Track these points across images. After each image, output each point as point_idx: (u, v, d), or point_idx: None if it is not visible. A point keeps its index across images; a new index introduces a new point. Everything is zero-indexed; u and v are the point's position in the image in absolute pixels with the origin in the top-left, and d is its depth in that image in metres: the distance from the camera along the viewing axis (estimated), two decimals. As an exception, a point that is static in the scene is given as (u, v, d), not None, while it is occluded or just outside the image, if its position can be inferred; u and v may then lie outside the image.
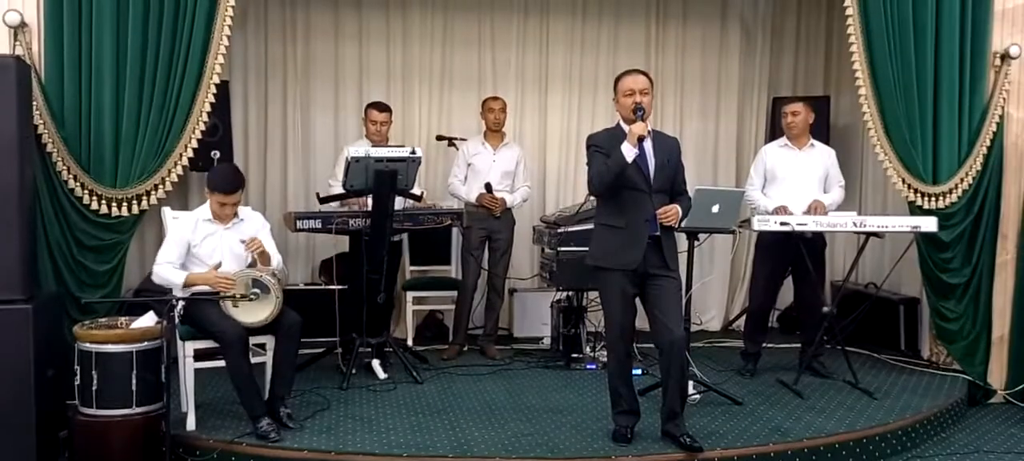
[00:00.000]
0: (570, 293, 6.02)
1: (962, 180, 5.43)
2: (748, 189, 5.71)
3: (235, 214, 4.69)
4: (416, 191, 5.70)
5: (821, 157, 5.69)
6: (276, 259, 4.68)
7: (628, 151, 4.09)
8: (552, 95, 7.22)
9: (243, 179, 4.75)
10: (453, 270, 6.71)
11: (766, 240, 5.60)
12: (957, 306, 5.59)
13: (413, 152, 5.34)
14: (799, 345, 5.86)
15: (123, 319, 4.43)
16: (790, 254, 5.49)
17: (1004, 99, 5.47)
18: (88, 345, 4.18)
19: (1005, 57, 5.43)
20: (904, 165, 5.37)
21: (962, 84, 5.38)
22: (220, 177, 4.64)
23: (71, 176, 4.64)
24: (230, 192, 4.59)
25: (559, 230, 5.78)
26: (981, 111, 5.44)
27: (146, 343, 4.22)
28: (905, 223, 5.36)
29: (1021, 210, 5.53)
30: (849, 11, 5.26)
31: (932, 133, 5.39)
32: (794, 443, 4.39)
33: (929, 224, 5.29)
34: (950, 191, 5.42)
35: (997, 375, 5.63)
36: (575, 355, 5.92)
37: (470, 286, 6.18)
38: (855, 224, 5.33)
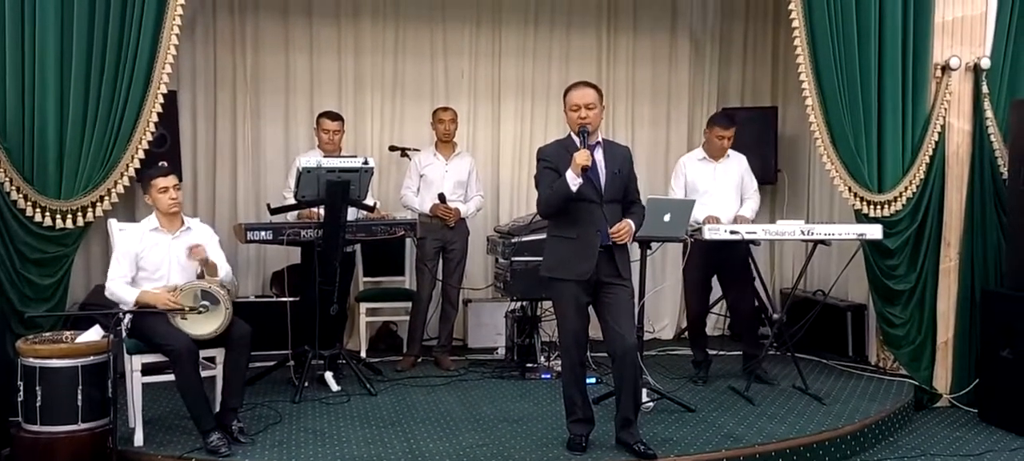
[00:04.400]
0: (524, 303, 6.02)
1: (906, 188, 5.54)
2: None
3: (182, 221, 4.63)
4: (369, 202, 5.67)
5: (736, 166, 5.83)
6: (224, 269, 4.63)
7: (572, 181, 4.11)
8: (505, 105, 7.23)
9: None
10: (407, 281, 6.68)
11: (693, 250, 5.69)
12: (903, 312, 5.70)
13: (366, 162, 5.32)
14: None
15: (68, 333, 4.34)
16: (713, 262, 5.59)
17: (945, 109, 5.59)
18: (32, 360, 4.08)
19: (945, 68, 5.55)
20: (850, 174, 5.47)
21: (905, 95, 5.50)
22: (153, 170, 4.65)
23: (14, 187, 4.52)
24: (168, 173, 4.58)
25: (513, 240, 5.79)
26: (923, 121, 5.57)
27: (92, 358, 4.13)
28: (851, 231, 5.45)
29: (963, 217, 5.66)
30: (795, 23, 5.35)
31: (877, 142, 5.51)
32: (746, 449, 4.45)
33: (875, 231, 5.39)
34: (895, 199, 5.53)
35: (942, 379, 5.75)
36: (530, 365, 5.92)
37: (424, 297, 6.15)
38: (803, 232, 5.42)
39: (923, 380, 5.70)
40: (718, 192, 5.73)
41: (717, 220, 5.55)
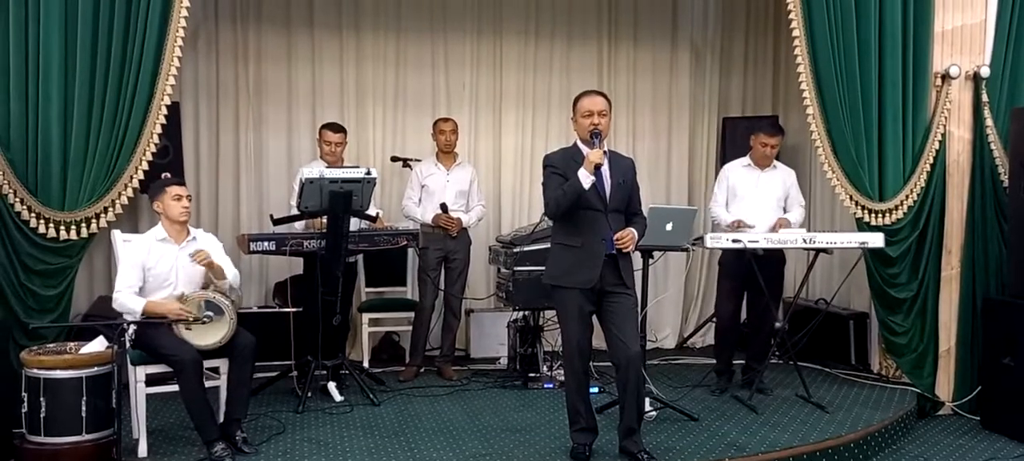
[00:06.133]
0: (527, 312, 6.03)
1: (907, 197, 5.56)
2: (713, 206, 5.85)
3: (188, 232, 4.65)
4: (372, 212, 5.68)
5: (782, 178, 5.81)
6: (231, 272, 4.64)
7: (585, 178, 4.13)
8: (506, 115, 7.25)
9: None
10: (409, 291, 6.69)
11: (725, 256, 5.68)
12: (905, 320, 5.70)
13: (368, 173, 5.33)
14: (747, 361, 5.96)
15: (72, 344, 4.35)
16: (744, 270, 5.58)
17: (945, 118, 5.60)
18: (36, 371, 4.09)
19: (945, 77, 5.57)
20: (851, 183, 5.48)
21: (905, 104, 5.52)
22: (162, 180, 4.75)
23: (18, 199, 4.52)
24: (182, 183, 4.67)
25: (515, 250, 5.80)
26: (924, 130, 5.58)
27: (96, 368, 4.14)
28: (853, 239, 5.46)
29: (964, 225, 5.67)
30: (795, 32, 5.37)
31: (877, 151, 5.52)
32: (750, 457, 4.45)
33: (876, 240, 5.40)
34: (896, 208, 5.55)
35: (944, 387, 5.75)
36: (532, 374, 5.92)
37: (427, 307, 6.16)
38: (805, 240, 5.42)
39: (925, 388, 5.71)
40: (757, 200, 5.72)
41: (739, 224, 5.55)
